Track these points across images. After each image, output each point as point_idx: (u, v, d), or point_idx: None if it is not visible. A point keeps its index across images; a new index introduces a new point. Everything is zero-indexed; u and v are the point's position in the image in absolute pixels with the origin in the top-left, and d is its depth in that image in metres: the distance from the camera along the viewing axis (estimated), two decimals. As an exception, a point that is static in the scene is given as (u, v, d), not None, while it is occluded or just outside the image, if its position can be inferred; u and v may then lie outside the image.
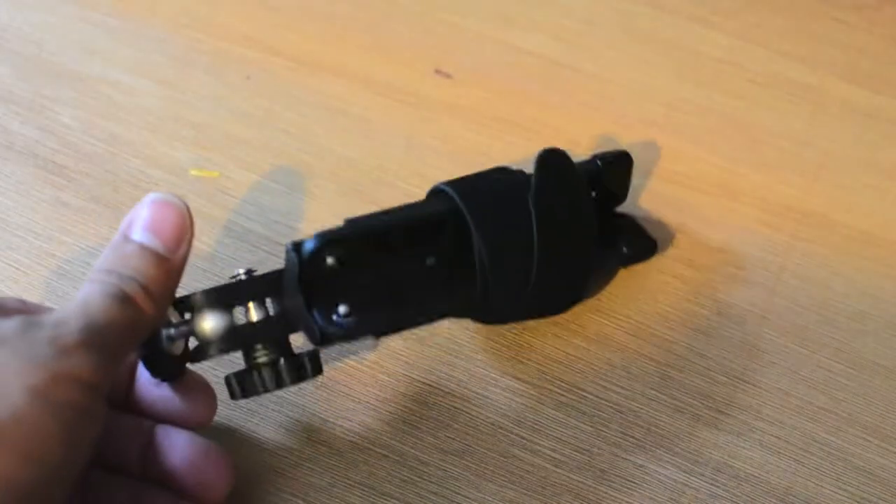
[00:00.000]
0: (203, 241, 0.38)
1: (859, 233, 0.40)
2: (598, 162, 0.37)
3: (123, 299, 0.27)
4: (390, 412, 0.35)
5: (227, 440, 0.34)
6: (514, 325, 0.37)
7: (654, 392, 0.36)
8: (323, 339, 0.30)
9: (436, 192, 0.34)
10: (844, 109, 0.44)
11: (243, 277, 0.31)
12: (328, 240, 0.30)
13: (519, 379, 0.36)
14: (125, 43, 0.44)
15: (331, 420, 0.34)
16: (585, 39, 0.45)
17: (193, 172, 0.41)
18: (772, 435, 0.35)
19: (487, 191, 0.33)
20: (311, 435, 0.34)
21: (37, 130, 0.41)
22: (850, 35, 0.45)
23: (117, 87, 0.43)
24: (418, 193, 0.34)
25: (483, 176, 0.34)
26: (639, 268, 0.38)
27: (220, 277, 0.37)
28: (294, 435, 0.34)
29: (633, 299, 0.38)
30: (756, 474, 0.34)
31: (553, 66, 0.44)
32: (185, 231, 0.30)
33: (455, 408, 0.35)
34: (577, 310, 0.37)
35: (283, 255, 0.31)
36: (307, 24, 0.45)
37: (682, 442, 0.35)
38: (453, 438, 0.34)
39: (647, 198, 0.40)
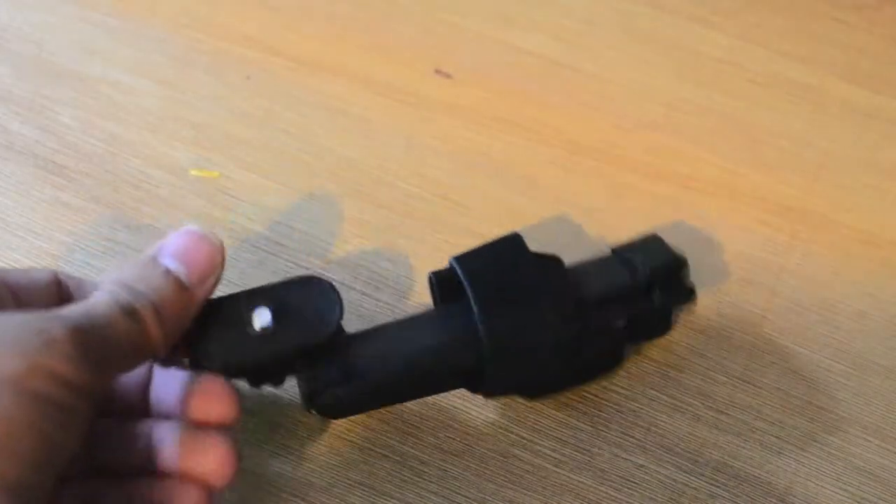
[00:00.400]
0: (203, 241, 0.38)
1: (859, 233, 0.40)
2: (639, 268, 0.33)
3: (131, 313, 0.27)
4: (390, 412, 0.35)
5: (227, 440, 0.34)
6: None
7: (654, 392, 0.36)
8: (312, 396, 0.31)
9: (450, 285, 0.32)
10: (844, 109, 0.44)
11: None
12: (329, 385, 0.31)
13: (519, 379, 0.36)
14: (125, 43, 0.44)
15: (331, 420, 0.34)
16: (585, 39, 0.45)
17: (193, 172, 0.41)
18: (772, 435, 0.35)
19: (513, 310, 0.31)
20: (311, 435, 0.34)
21: (37, 130, 0.41)
22: (850, 35, 0.45)
23: (117, 87, 0.43)
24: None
25: (510, 278, 0.32)
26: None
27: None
28: (294, 435, 0.34)
29: (633, 299, 0.37)
30: (756, 474, 0.34)
31: (553, 66, 0.44)
32: (214, 268, 0.29)
33: (455, 408, 0.35)
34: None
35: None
36: (307, 24, 0.45)
37: (682, 442, 0.35)
38: (453, 438, 0.34)
39: (646, 198, 0.40)
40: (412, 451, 0.34)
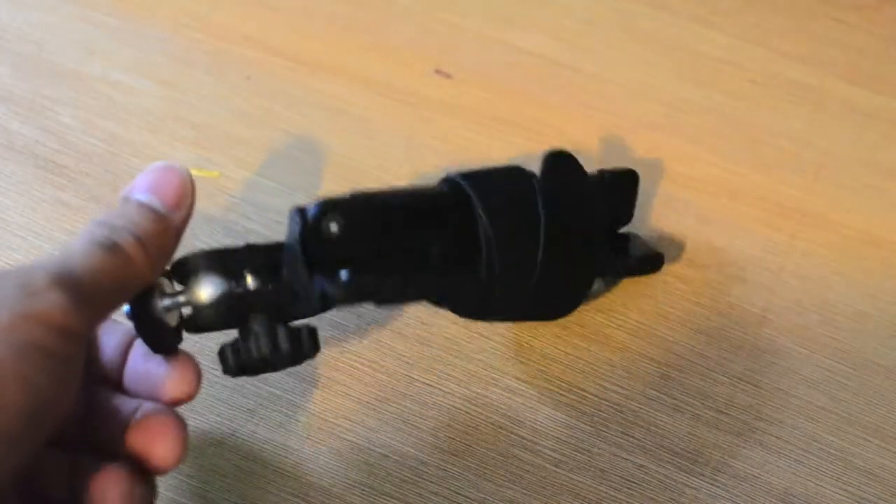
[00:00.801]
0: (203, 241, 0.38)
1: (859, 233, 0.40)
2: (606, 176, 0.36)
3: (111, 248, 0.27)
4: (390, 412, 0.35)
5: (228, 440, 0.34)
6: (513, 324, 0.37)
7: (654, 392, 0.36)
8: (323, 301, 0.30)
9: (445, 181, 0.34)
10: (844, 109, 0.43)
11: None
12: (332, 203, 0.30)
13: (519, 379, 0.36)
14: (125, 43, 0.44)
15: (331, 420, 0.34)
16: (585, 39, 0.45)
17: (193, 172, 0.40)
18: (772, 435, 0.35)
19: (498, 181, 0.33)
20: (311, 435, 0.34)
21: (37, 130, 0.41)
22: (850, 35, 0.45)
23: (117, 87, 0.43)
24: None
25: (495, 169, 0.34)
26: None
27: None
28: (294, 435, 0.34)
29: (633, 299, 0.38)
30: (756, 474, 0.34)
31: (553, 66, 0.44)
32: (186, 193, 0.30)
33: (455, 408, 0.35)
34: (578, 310, 0.37)
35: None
36: (307, 24, 0.45)
37: (682, 442, 0.35)
38: (453, 438, 0.34)
39: (646, 198, 0.40)
40: (412, 451, 0.34)
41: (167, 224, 0.29)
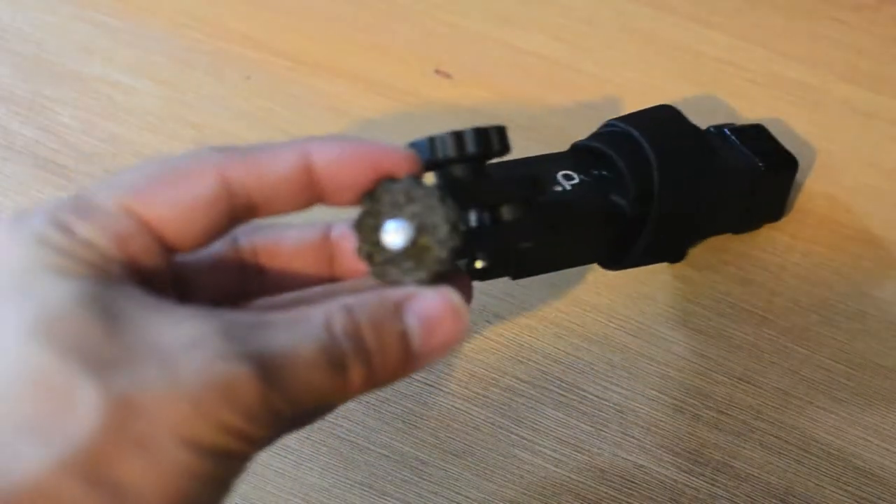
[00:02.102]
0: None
1: (859, 233, 0.40)
2: (759, 163, 0.37)
3: (339, 366, 0.22)
4: (390, 412, 0.35)
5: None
6: (513, 324, 0.37)
7: (654, 392, 0.36)
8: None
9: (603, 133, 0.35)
10: (844, 109, 0.43)
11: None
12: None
13: (519, 379, 0.36)
14: (125, 43, 0.44)
15: (331, 420, 0.34)
16: (585, 39, 0.45)
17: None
18: (772, 435, 0.35)
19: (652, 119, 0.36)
20: (311, 435, 0.34)
21: (37, 130, 0.41)
22: (850, 35, 0.45)
23: (117, 87, 0.43)
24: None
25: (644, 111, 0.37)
26: (639, 268, 0.38)
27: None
28: (294, 435, 0.34)
29: (633, 299, 0.38)
30: (756, 474, 0.34)
31: (553, 66, 0.44)
32: (449, 349, 0.25)
33: (455, 408, 0.35)
34: (578, 310, 0.37)
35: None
36: (307, 24, 0.45)
37: (682, 442, 0.35)
38: (453, 438, 0.34)
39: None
40: (412, 451, 0.34)
41: (408, 369, 0.24)
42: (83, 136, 0.41)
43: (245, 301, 0.26)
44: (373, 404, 0.35)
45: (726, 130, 0.38)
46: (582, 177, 0.33)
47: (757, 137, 0.39)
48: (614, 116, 0.43)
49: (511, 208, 0.29)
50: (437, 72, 0.44)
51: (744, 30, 0.45)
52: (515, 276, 0.33)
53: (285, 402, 0.22)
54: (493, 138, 0.28)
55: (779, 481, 0.34)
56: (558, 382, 0.36)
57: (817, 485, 0.34)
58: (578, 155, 0.34)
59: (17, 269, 0.22)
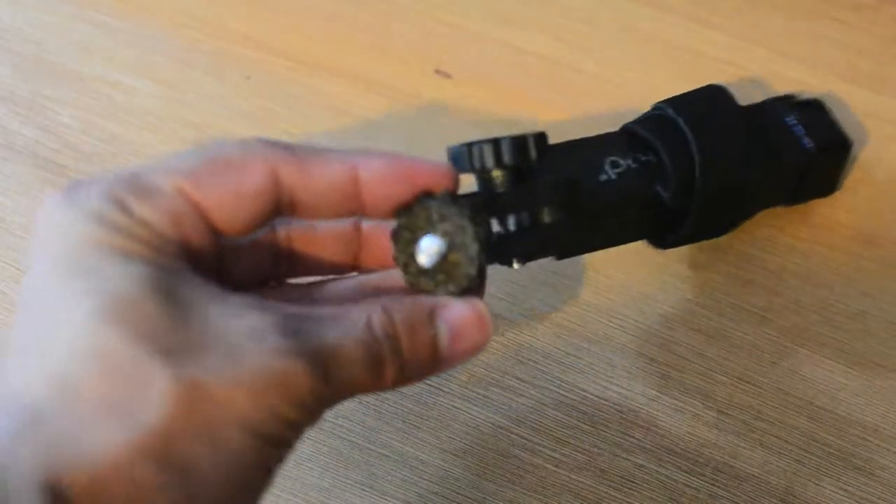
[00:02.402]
0: (203, 241, 0.38)
1: (859, 233, 0.40)
2: (810, 145, 0.37)
3: (377, 365, 0.24)
4: (390, 412, 0.35)
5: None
6: (513, 324, 0.37)
7: (654, 392, 0.36)
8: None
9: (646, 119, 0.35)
10: (844, 109, 0.43)
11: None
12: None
13: (519, 379, 0.36)
14: (125, 43, 0.44)
15: (331, 420, 0.34)
16: (585, 39, 0.45)
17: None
18: (772, 435, 0.35)
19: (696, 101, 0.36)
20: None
21: (37, 130, 0.41)
22: (850, 35, 0.45)
23: (117, 87, 0.43)
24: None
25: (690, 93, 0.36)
26: (639, 268, 0.38)
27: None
28: (294, 435, 0.34)
29: (633, 299, 0.38)
30: (756, 474, 0.34)
31: (553, 66, 0.44)
32: (472, 355, 0.27)
33: (455, 408, 0.35)
34: (578, 310, 0.37)
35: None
36: (307, 24, 0.45)
37: (682, 442, 0.35)
38: (453, 438, 0.34)
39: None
40: (412, 451, 0.34)
41: (434, 369, 0.26)
42: (83, 136, 0.41)
43: (276, 281, 0.28)
44: (373, 404, 0.35)
45: (782, 106, 0.38)
46: (629, 163, 0.33)
47: (814, 114, 0.39)
48: (613, 116, 0.43)
49: (551, 210, 0.30)
50: (437, 72, 0.44)
51: (744, 30, 0.45)
52: (560, 257, 0.34)
53: (331, 394, 0.23)
54: (530, 147, 0.29)
55: (779, 481, 0.34)
56: (558, 382, 0.36)
57: (817, 485, 0.34)
58: (629, 138, 0.35)
59: (75, 245, 0.22)
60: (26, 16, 0.45)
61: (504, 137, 0.28)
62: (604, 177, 0.33)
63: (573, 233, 0.31)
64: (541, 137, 0.29)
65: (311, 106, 0.43)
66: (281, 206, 0.25)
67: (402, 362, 0.25)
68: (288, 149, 0.25)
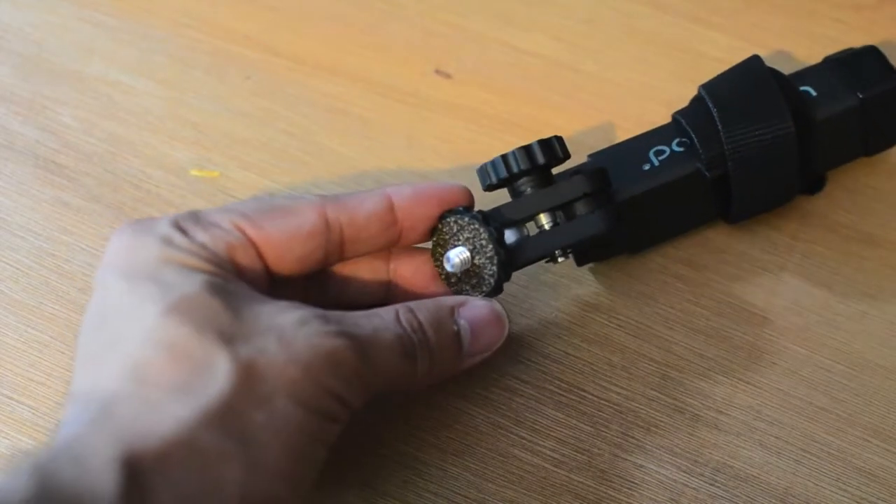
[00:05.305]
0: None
1: (859, 233, 0.40)
2: (860, 95, 0.37)
3: (409, 356, 0.28)
4: (391, 412, 0.35)
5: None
6: (513, 324, 0.37)
7: (654, 392, 0.36)
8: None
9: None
10: (844, 109, 0.43)
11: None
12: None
13: (519, 379, 0.36)
14: (125, 43, 0.44)
15: (331, 420, 0.34)
16: (585, 39, 0.45)
17: (193, 172, 0.41)
18: (772, 435, 0.35)
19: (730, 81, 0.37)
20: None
21: (37, 130, 0.41)
22: (850, 35, 0.45)
23: (117, 87, 0.43)
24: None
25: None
26: (639, 269, 0.38)
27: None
28: (294, 435, 0.34)
29: (633, 299, 0.38)
30: (756, 474, 0.34)
31: (553, 66, 0.44)
32: (490, 351, 0.31)
33: (455, 408, 0.35)
34: (578, 310, 0.37)
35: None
36: (307, 24, 0.45)
37: (682, 442, 0.35)
38: (453, 438, 0.34)
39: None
40: (412, 451, 0.34)
41: (456, 366, 0.30)
42: (83, 136, 0.41)
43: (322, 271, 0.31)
44: (373, 404, 0.35)
45: (828, 64, 0.39)
46: (673, 148, 0.36)
47: (868, 62, 0.38)
48: (613, 116, 0.43)
49: (584, 203, 0.33)
50: (437, 72, 0.44)
51: (744, 30, 0.45)
52: (631, 251, 0.38)
53: (372, 378, 0.27)
54: (556, 147, 0.33)
55: (779, 481, 0.34)
56: (558, 382, 0.36)
57: (817, 485, 0.34)
58: (675, 125, 0.37)
59: (148, 262, 0.26)
60: (26, 16, 0.45)
61: (532, 143, 0.32)
62: (647, 166, 0.35)
63: (623, 222, 0.34)
64: (560, 140, 0.33)
65: (311, 106, 0.43)
66: (330, 248, 0.29)
67: (432, 357, 0.28)
68: (332, 196, 0.30)
